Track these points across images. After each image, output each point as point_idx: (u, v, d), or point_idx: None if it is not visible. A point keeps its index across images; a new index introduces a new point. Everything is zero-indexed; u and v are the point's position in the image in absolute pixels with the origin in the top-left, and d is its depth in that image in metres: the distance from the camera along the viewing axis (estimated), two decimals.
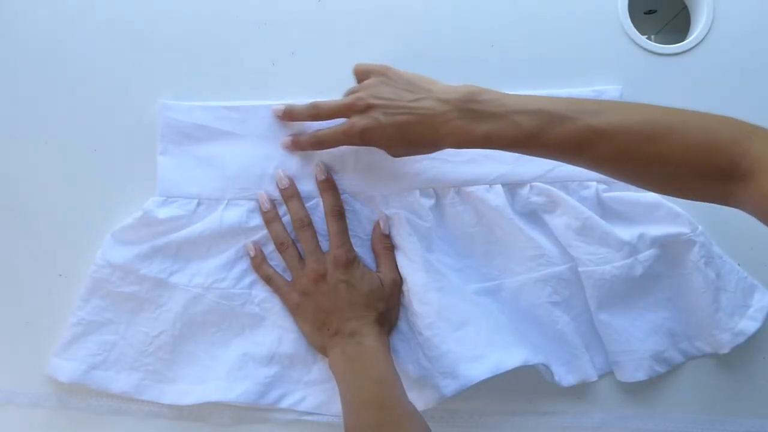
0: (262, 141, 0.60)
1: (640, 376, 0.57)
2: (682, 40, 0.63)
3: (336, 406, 0.57)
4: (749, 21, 0.63)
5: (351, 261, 0.56)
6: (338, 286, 0.55)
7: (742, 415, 0.60)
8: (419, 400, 0.57)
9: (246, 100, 0.61)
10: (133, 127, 0.61)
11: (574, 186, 0.60)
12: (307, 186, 0.59)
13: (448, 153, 0.60)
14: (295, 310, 0.57)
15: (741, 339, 0.58)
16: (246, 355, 0.58)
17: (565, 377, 0.58)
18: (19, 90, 0.61)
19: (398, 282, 0.57)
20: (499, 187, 0.59)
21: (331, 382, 0.57)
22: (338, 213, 0.57)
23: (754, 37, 0.63)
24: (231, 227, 0.59)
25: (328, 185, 0.58)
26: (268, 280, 0.58)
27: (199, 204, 0.59)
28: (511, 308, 0.58)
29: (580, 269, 0.58)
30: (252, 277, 0.59)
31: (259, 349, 0.58)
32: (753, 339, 0.58)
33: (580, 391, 0.59)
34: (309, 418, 0.58)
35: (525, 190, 0.60)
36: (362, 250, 0.59)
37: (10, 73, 0.61)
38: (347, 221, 0.58)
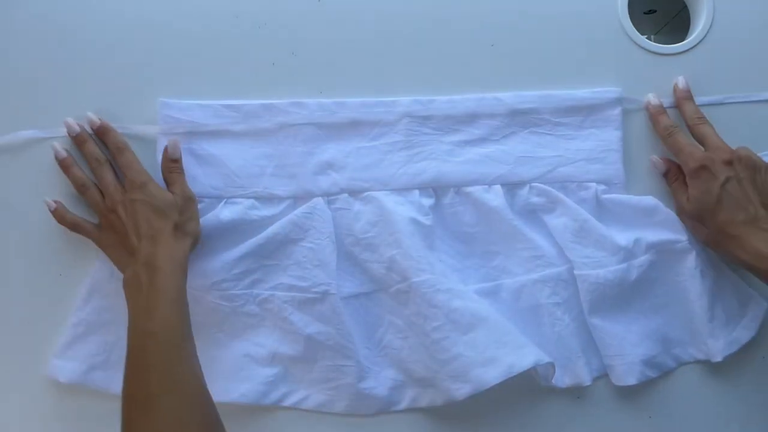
0: (260, 139, 0.60)
1: (631, 380, 0.56)
2: (682, 40, 0.63)
3: (339, 405, 0.58)
4: (749, 21, 0.63)
5: (144, 182, 0.56)
6: (134, 205, 0.55)
7: (738, 420, 0.60)
8: (423, 398, 0.57)
9: (246, 100, 0.60)
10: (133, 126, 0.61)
11: (573, 187, 0.60)
12: (307, 185, 0.59)
13: (448, 153, 0.60)
14: (105, 246, 0.57)
15: (735, 348, 0.58)
16: (247, 355, 0.58)
17: (561, 379, 0.58)
18: (18, 88, 0.60)
19: (192, 197, 0.57)
20: (498, 187, 0.59)
21: (335, 381, 0.57)
22: (122, 147, 0.58)
23: (754, 37, 0.63)
24: (230, 226, 0.58)
25: (103, 129, 0.58)
26: (75, 227, 0.58)
27: (198, 203, 0.59)
28: (511, 309, 0.58)
29: (575, 272, 0.58)
30: (252, 277, 0.59)
31: (260, 349, 0.58)
32: (747, 346, 0.59)
33: (580, 391, 0.59)
34: (311, 416, 0.58)
35: (524, 191, 0.60)
36: (358, 249, 0.59)
37: (10, 73, 0.61)
38: (345, 218, 0.59)
